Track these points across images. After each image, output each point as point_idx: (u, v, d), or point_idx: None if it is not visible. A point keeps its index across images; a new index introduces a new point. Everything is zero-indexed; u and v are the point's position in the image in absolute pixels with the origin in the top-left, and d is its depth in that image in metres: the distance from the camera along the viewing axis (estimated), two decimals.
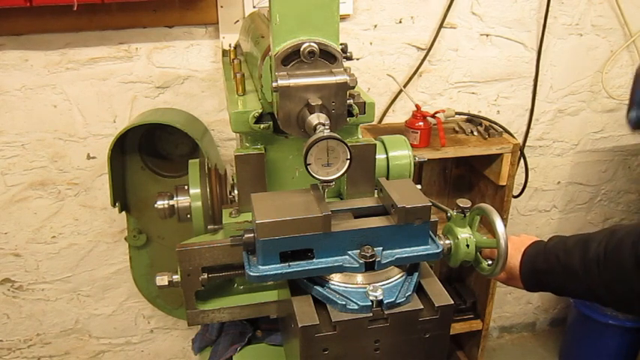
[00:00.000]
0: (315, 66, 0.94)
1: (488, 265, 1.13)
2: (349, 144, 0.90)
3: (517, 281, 1.23)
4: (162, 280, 1.10)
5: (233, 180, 1.18)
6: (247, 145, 1.14)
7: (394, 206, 0.96)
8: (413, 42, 2.08)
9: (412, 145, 1.32)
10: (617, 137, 2.50)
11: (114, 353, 2.40)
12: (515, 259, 1.21)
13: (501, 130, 2.05)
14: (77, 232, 2.11)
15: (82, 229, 2.11)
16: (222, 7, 1.84)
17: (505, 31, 2.14)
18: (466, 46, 2.13)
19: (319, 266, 0.93)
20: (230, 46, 1.50)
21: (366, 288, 0.92)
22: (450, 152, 1.92)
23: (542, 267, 1.17)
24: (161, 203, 1.23)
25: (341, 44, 0.97)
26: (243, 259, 0.96)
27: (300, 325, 0.88)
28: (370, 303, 0.91)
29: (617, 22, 2.22)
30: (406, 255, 0.97)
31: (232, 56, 1.40)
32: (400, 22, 2.04)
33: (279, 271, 0.92)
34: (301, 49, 0.92)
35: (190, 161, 1.27)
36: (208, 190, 1.22)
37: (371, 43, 2.04)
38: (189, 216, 1.22)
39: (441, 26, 2.05)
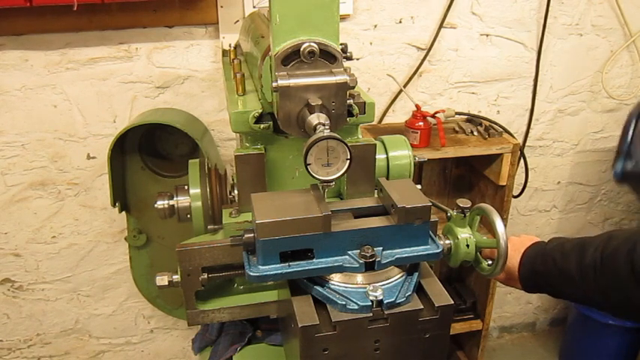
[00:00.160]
0: (315, 66, 0.94)
1: (488, 265, 1.13)
2: (349, 144, 0.90)
3: (516, 282, 1.23)
4: (162, 280, 1.10)
5: (233, 180, 1.18)
6: (247, 145, 1.14)
7: (394, 206, 0.96)
8: (413, 42, 2.08)
9: (412, 145, 1.32)
10: (617, 137, 2.48)
11: (114, 353, 2.40)
12: (514, 259, 1.21)
13: (501, 130, 2.05)
14: (77, 232, 2.11)
15: (82, 229, 2.11)
16: (222, 7, 1.84)
17: (505, 31, 2.14)
18: (466, 46, 2.13)
19: (319, 266, 0.93)
20: (230, 46, 1.50)
21: (366, 288, 0.92)
22: (450, 152, 1.92)
23: (540, 269, 1.17)
24: (161, 203, 1.22)
25: (341, 44, 0.97)
26: (243, 259, 0.96)
27: (300, 325, 0.88)
28: (370, 303, 0.91)
29: (617, 22, 2.22)
30: (406, 255, 0.97)
31: (232, 56, 1.40)
32: (400, 22, 2.04)
33: (279, 271, 0.92)
34: (301, 49, 0.92)
35: (190, 161, 1.27)
36: (208, 190, 1.21)
37: (371, 43, 2.04)
38: (189, 216, 1.22)
39: (441, 26, 2.05)
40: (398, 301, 0.93)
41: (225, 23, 1.86)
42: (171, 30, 1.87)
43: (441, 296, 0.97)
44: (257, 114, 1.08)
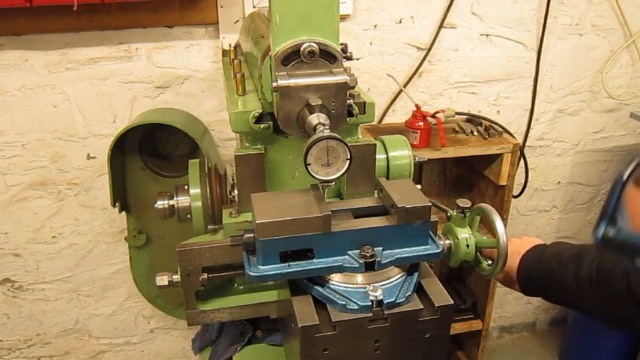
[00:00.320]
0: (315, 66, 0.94)
1: (488, 265, 1.13)
2: (349, 144, 0.90)
3: (514, 284, 1.23)
4: (162, 280, 1.10)
5: (233, 180, 1.18)
6: (247, 145, 1.14)
7: (394, 206, 0.96)
8: (413, 42, 2.08)
9: (412, 145, 1.32)
10: (617, 137, 2.50)
11: (114, 353, 2.40)
12: (514, 261, 1.20)
13: (501, 130, 2.05)
14: (77, 232, 2.11)
15: (82, 229, 2.11)
16: (222, 7, 1.84)
17: (505, 31, 2.14)
18: (466, 46, 2.13)
19: (319, 266, 0.93)
20: (230, 46, 1.50)
21: (366, 288, 0.92)
22: (450, 152, 1.92)
23: (537, 275, 1.17)
24: (161, 203, 1.22)
25: (341, 44, 0.97)
26: (243, 259, 0.96)
27: (300, 325, 0.88)
28: (370, 303, 0.91)
29: (617, 22, 2.22)
30: (406, 255, 0.97)
31: (232, 56, 1.40)
32: (400, 22, 2.04)
33: (279, 271, 0.92)
34: (301, 49, 0.92)
35: (190, 161, 1.27)
36: (208, 190, 1.21)
37: (371, 43, 2.04)
38: (189, 216, 1.22)
39: (441, 26, 2.05)
40: (398, 301, 0.93)
41: (225, 23, 1.86)
42: (171, 30, 1.87)
43: (441, 296, 0.97)
44: (257, 114, 1.08)
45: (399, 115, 2.18)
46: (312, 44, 0.92)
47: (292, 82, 0.92)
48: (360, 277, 0.95)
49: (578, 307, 1.15)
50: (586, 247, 1.13)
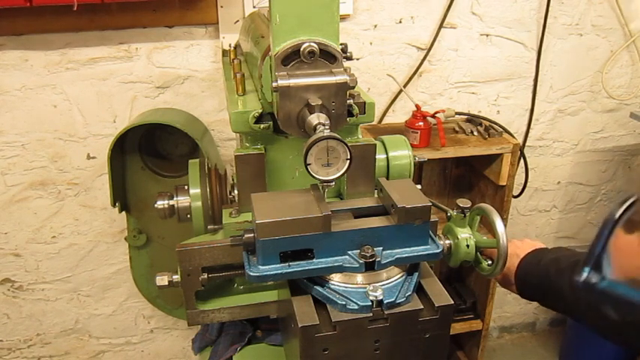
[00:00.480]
0: (315, 66, 0.94)
1: (488, 265, 1.13)
2: (349, 144, 0.90)
3: (512, 286, 1.22)
4: (162, 280, 1.10)
5: (233, 180, 1.18)
6: (247, 145, 1.14)
7: (394, 206, 0.96)
8: (413, 42, 2.08)
9: (412, 145, 1.32)
10: (617, 137, 2.50)
11: (114, 353, 2.40)
12: (512, 264, 1.19)
13: (501, 130, 2.05)
14: (77, 232, 2.11)
15: (82, 229, 2.11)
16: (222, 7, 1.84)
17: (505, 31, 2.14)
18: (466, 46, 2.13)
19: (319, 266, 0.93)
20: (230, 46, 1.50)
21: (366, 288, 0.92)
22: (450, 152, 1.92)
23: (534, 281, 1.15)
24: (161, 203, 1.22)
25: (341, 44, 0.97)
26: (243, 259, 0.96)
27: (300, 325, 0.88)
28: (370, 303, 0.91)
29: (617, 22, 2.22)
30: (406, 255, 0.97)
31: (232, 56, 1.40)
32: (400, 22, 2.04)
33: (279, 271, 0.92)
34: (301, 49, 0.92)
35: (190, 161, 1.27)
36: (208, 190, 1.21)
37: (371, 43, 2.04)
38: (189, 216, 1.22)
39: (441, 26, 2.05)
40: (398, 301, 0.93)
41: (225, 23, 1.86)
42: (171, 30, 1.87)
43: (441, 296, 0.97)
44: (257, 114, 1.08)
45: (399, 115, 2.18)
46: (312, 44, 0.92)
47: (292, 82, 0.92)
48: (360, 277, 0.95)
49: (575, 316, 1.13)
50: (582, 255, 1.12)
